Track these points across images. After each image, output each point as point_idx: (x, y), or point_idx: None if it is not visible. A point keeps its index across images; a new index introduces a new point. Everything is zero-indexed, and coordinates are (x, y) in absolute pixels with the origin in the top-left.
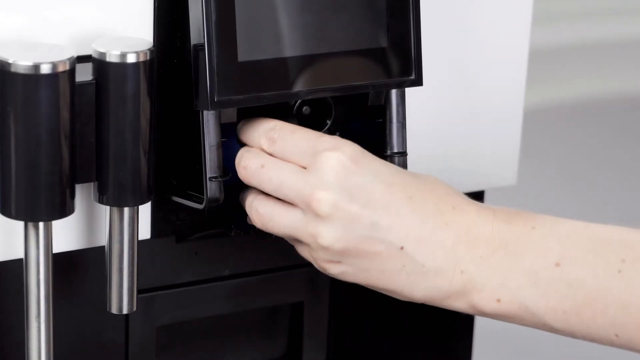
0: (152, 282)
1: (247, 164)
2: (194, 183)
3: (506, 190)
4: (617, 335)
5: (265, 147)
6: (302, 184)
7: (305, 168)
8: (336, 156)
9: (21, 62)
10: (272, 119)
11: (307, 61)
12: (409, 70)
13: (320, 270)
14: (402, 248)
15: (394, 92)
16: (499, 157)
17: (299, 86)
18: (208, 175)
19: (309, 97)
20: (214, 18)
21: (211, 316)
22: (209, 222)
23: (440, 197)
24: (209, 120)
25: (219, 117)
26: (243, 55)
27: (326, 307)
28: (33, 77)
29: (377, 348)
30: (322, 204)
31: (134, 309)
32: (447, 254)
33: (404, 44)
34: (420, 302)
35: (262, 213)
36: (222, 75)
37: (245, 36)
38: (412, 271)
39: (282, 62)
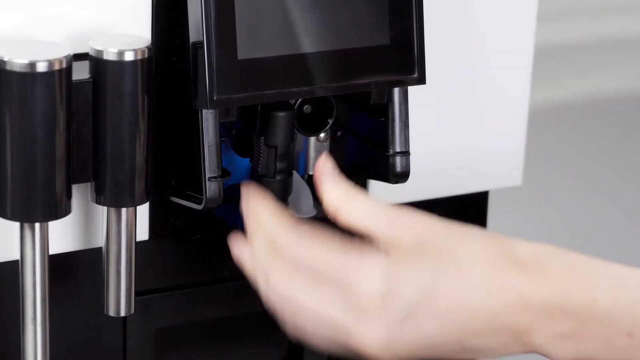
0: (150, 284)
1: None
2: (193, 183)
3: (511, 190)
4: None
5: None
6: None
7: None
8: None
9: (17, 60)
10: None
11: (308, 59)
12: (412, 68)
13: None
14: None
15: (396, 90)
16: (503, 157)
17: (300, 84)
18: (207, 175)
19: (310, 95)
20: (213, 15)
21: (211, 319)
22: (208, 223)
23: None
24: (208, 119)
25: (218, 116)
26: (243, 53)
27: None
28: (29, 76)
29: None
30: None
31: (132, 311)
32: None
33: (407, 41)
34: None
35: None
36: (221, 73)
37: (245, 34)
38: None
39: (283, 60)
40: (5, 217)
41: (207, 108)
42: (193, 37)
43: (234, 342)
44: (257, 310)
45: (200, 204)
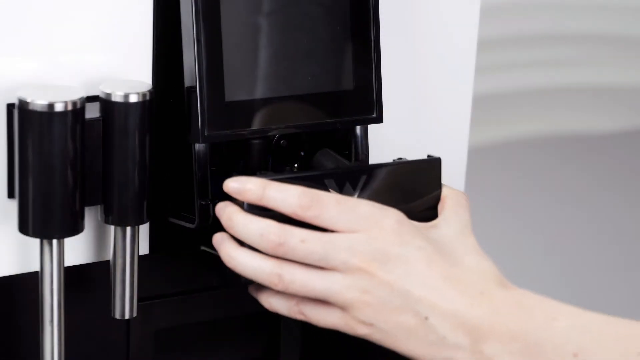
0: (150, 292)
1: (285, 240)
2: (187, 206)
3: None
4: None
5: (300, 213)
6: (347, 254)
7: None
8: (390, 223)
9: (38, 101)
10: (299, 187)
11: (283, 102)
12: (371, 109)
13: (348, 329)
14: (426, 318)
15: (358, 128)
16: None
17: (277, 123)
18: (198, 200)
19: (285, 132)
20: (204, 64)
21: (202, 322)
22: (199, 239)
23: (471, 281)
24: (200, 152)
25: (208, 149)
26: (229, 96)
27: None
28: (48, 115)
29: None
30: (364, 275)
31: (135, 314)
32: (469, 333)
33: (367, 86)
34: None
35: (293, 280)
36: (211, 113)
37: (231, 80)
38: (434, 342)
39: (263, 102)
40: (27, 234)
41: (199, 142)
42: (187, 82)
43: (222, 341)
44: (242, 314)
45: (193, 223)
